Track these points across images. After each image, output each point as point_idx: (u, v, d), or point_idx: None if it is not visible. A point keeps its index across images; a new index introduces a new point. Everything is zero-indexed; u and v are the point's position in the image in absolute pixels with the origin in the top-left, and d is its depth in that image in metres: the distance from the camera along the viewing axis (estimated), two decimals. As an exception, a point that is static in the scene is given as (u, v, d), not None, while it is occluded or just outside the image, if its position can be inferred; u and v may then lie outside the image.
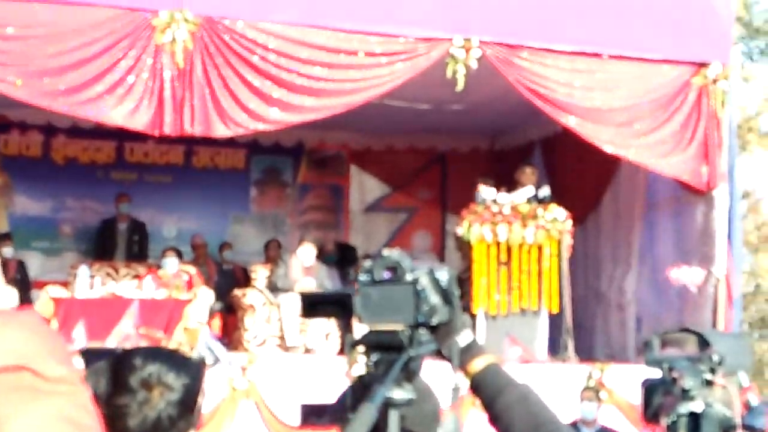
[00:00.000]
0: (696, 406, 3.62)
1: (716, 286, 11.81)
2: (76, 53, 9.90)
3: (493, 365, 1.96)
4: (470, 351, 1.96)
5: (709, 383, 3.65)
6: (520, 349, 11.03)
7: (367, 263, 2.00)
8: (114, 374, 2.12)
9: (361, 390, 1.96)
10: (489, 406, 1.93)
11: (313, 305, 2.13)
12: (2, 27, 9.74)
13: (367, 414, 1.83)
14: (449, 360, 1.95)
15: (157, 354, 2.19)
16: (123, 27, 10.05)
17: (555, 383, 10.16)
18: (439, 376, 2.18)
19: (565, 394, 9.75)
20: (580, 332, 12.50)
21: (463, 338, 1.95)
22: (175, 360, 2.18)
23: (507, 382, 1.94)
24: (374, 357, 1.97)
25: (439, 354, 1.99)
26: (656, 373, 3.80)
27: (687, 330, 4.61)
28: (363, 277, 1.98)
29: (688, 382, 3.57)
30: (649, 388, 3.90)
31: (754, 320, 23.78)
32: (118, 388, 2.11)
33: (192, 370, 2.18)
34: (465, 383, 2.01)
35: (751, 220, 23.43)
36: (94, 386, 2.07)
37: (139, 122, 10.09)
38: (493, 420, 1.94)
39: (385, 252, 2.00)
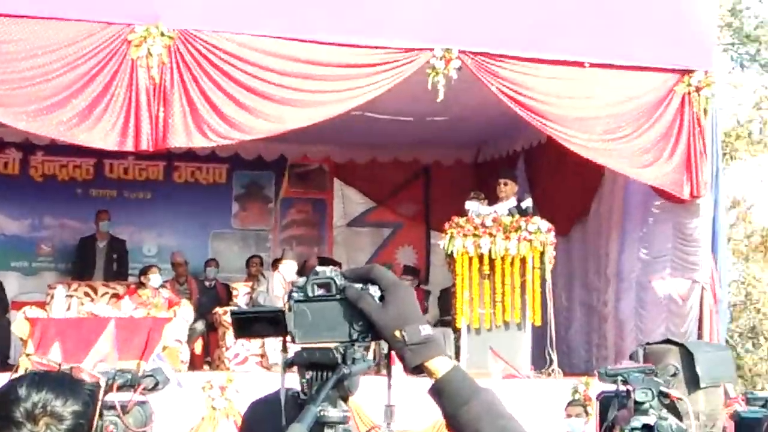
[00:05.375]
0: (649, 419, 3.54)
1: (701, 296, 11.72)
2: (52, 70, 9.77)
3: (459, 368, 1.83)
4: (429, 347, 1.80)
5: (664, 396, 3.58)
6: (503, 364, 10.88)
7: (300, 280, 1.89)
8: (0, 407, 1.98)
9: (295, 409, 1.87)
10: (453, 414, 1.79)
11: (245, 324, 2.03)
12: (-28, 44, 9.60)
13: (296, 435, 1.72)
14: (401, 356, 1.80)
15: (43, 381, 2.04)
16: (98, 42, 9.94)
17: (540, 398, 10.01)
18: (373, 395, 2.07)
19: (551, 408, 9.60)
20: (565, 345, 12.36)
21: (422, 330, 1.80)
22: (64, 386, 2.04)
23: (474, 389, 1.80)
24: (308, 375, 1.91)
25: (385, 358, 1.88)
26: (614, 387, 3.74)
27: (670, 341, 4.50)
28: (296, 294, 1.87)
29: (640, 395, 3.52)
30: (604, 402, 3.83)
31: (745, 330, 23.66)
32: (4, 422, 1.98)
33: (83, 394, 2.04)
34: (417, 382, 1.86)
35: (741, 229, 23.33)
36: None
37: (116, 142, 9.94)
38: (456, 428, 1.79)
39: (318, 268, 1.88)
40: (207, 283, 13.87)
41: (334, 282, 1.87)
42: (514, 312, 11.30)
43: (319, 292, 1.87)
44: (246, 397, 9.97)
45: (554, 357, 11.38)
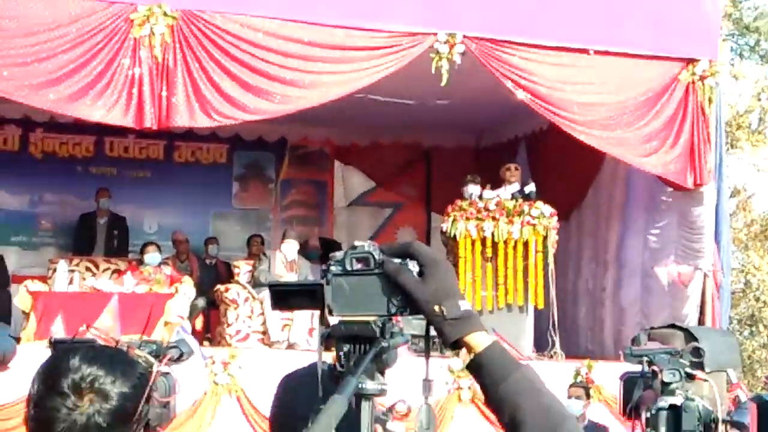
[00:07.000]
0: (676, 399, 3.54)
1: (704, 282, 11.76)
2: (53, 47, 9.77)
3: (498, 344, 1.81)
4: (468, 322, 1.79)
5: (690, 377, 3.58)
6: (506, 346, 10.91)
7: (339, 254, 1.88)
8: (48, 373, 1.95)
9: (331, 381, 1.87)
10: (492, 389, 1.78)
11: (283, 296, 2.02)
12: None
13: (337, 406, 1.74)
14: (440, 331, 1.78)
15: (98, 356, 1.99)
16: (100, 20, 9.93)
17: (543, 380, 10.04)
18: (411, 369, 2.09)
19: (554, 390, 9.63)
20: (565, 328, 12.40)
21: (461, 305, 1.79)
22: (116, 364, 1.99)
23: (514, 364, 1.80)
24: (345, 348, 1.89)
25: (423, 333, 1.86)
26: (637, 367, 3.73)
27: (674, 326, 4.51)
28: (334, 268, 1.87)
29: (668, 376, 3.51)
30: (628, 382, 3.83)
31: (744, 317, 23.80)
32: (49, 390, 1.93)
33: (134, 377, 2.00)
34: (457, 359, 1.86)
35: (741, 218, 23.42)
36: (31, 386, 1.93)
37: (119, 118, 9.96)
38: (495, 403, 1.79)
39: (357, 243, 1.88)
40: (208, 261, 13.89)
41: (373, 256, 1.84)
42: (516, 295, 11.36)
43: (358, 266, 1.85)
44: (248, 374, 10.04)
45: (556, 340, 11.47)
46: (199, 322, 12.58)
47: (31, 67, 9.71)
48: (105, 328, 9.41)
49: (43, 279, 11.66)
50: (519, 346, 11.04)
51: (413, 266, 1.83)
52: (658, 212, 12.46)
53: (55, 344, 4.50)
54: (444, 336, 1.80)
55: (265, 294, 11.27)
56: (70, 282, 11.24)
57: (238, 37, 10.31)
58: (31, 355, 4.83)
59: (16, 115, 13.89)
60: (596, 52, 11.29)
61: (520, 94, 11.10)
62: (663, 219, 12.34)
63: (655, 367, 3.50)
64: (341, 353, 1.90)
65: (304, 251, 12.89)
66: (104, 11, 9.97)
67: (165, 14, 10.01)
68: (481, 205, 11.44)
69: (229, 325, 11.55)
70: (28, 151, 14.85)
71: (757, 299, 23.15)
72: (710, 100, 11.60)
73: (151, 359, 2.50)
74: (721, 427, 3.58)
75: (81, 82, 9.83)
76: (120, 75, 9.92)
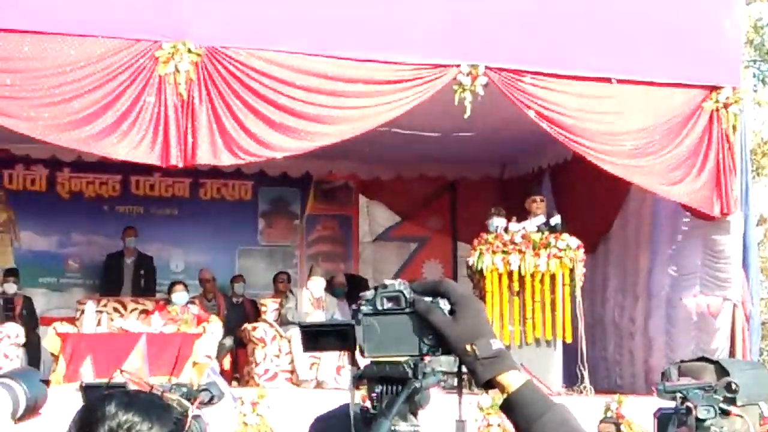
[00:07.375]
0: (711, 437, 3.49)
1: (733, 313, 11.63)
2: (79, 86, 9.83)
3: (531, 383, 1.82)
4: (500, 361, 1.79)
5: (725, 413, 3.53)
6: (536, 382, 10.82)
7: (369, 293, 1.87)
8: (84, 421, 1.95)
9: (363, 424, 1.86)
10: (526, 428, 1.78)
11: (314, 337, 2.02)
12: (4, 60, 9.66)
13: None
14: (472, 371, 1.78)
15: (133, 402, 2.00)
16: (126, 59, 9.98)
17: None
18: (441, 407, 2.07)
19: (584, 426, 9.53)
20: (593, 362, 12.31)
21: (493, 344, 1.79)
22: (152, 410, 1.99)
23: (548, 404, 1.80)
24: (377, 389, 1.88)
25: (454, 372, 1.85)
26: (670, 403, 3.68)
27: (704, 359, 4.45)
28: (365, 308, 1.86)
29: (702, 412, 3.46)
30: (662, 419, 3.77)
31: (774, 349, 23.49)
32: None
33: (171, 423, 2.00)
34: (487, 396, 1.83)
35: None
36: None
37: (144, 155, 9.99)
38: None
39: (387, 281, 1.86)
40: (234, 300, 13.87)
41: (404, 295, 1.84)
42: (544, 329, 11.28)
43: (388, 305, 1.85)
44: (277, 414, 9.99)
45: (585, 374, 11.36)
46: (227, 362, 12.54)
47: (60, 107, 9.78)
48: (134, 370, 9.43)
49: (71, 320, 11.68)
50: (548, 381, 10.93)
51: (444, 304, 1.82)
52: (683, 242, 12.36)
53: (85, 389, 4.51)
54: (476, 376, 1.79)
55: (293, 332, 11.26)
56: (99, 323, 11.26)
57: (262, 73, 10.33)
58: (62, 399, 4.83)
59: (43, 155, 13.97)
60: (619, 81, 11.26)
61: (531, 114, 11.05)
62: (688, 248, 12.22)
63: (689, 404, 3.45)
64: (373, 395, 1.89)
65: (330, 288, 12.86)
66: (129, 49, 10.01)
67: (189, 51, 10.04)
68: (507, 238, 11.38)
69: (257, 365, 11.52)
70: (55, 190, 14.95)
71: (787, 330, 22.86)
72: (734, 128, 11.54)
73: (186, 403, 2.49)
74: (757, 465, 3.50)
75: (107, 120, 9.87)
76: (146, 113, 9.95)
